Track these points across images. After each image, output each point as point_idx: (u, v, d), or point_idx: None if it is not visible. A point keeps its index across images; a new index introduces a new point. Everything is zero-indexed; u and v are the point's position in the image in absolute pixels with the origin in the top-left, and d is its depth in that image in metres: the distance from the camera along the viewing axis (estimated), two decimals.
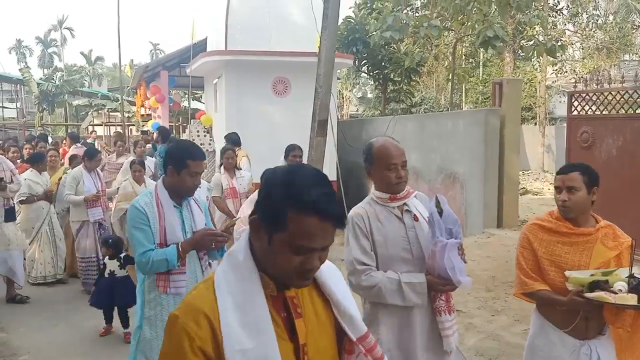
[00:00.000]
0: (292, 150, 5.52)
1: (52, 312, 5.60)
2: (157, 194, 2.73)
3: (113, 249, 4.94)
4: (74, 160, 7.49)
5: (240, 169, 6.15)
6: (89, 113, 27.66)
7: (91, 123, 26.78)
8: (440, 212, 2.30)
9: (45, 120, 26.73)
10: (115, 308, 4.90)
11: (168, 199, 2.72)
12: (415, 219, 2.44)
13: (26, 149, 8.46)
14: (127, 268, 4.90)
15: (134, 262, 4.57)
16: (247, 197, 5.43)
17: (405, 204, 2.45)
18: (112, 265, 4.88)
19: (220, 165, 6.36)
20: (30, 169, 6.45)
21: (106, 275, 4.88)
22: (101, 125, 26.81)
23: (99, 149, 9.01)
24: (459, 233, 2.32)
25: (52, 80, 26.60)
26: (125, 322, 4.79)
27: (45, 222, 6.46)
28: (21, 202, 6.26)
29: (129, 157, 7.84)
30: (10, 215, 5.90)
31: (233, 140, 7.14)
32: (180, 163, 2.66)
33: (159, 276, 2.69)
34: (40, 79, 28.32)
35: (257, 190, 4.63)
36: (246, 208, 4.81)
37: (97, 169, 6.45)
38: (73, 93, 27.29)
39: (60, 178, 6.95)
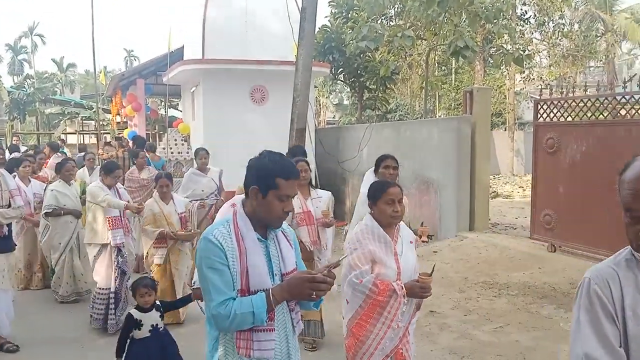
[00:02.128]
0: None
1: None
2: (236, 224, 2.09)
3: (155, 292, 3.67)
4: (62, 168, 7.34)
5: (316, 188, 4.90)
6: (62, 121, 27.26)
7: (64, 131, 26.40)
8: None
9: (15, 129, 26.24)
10: None
11: (251, 230, 2.08)
12: None
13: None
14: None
15: (173, 309, 4.01)
16: (327, 224, 4.55)
17: None
18: (151, 318, 3.55)
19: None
20: (59, 179, 6.02)
21: (147, 332, 3.50)
22: (75, 133, 26.44)
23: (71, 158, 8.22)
24: None
25: (23, 88, 26.15)
26: None
27: (73, 238, 6.00)
28: (46, 214, 5.82)
29: (152, 172, 7.42)
30: (4, 245, 4.76)
31: (302, 152, 5.65)
32: (268, 182, 2.05)
33: (240, 334, 2.04)
34: (11, 86, 27.78)
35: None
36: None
37: (117, 185, 5.51)
38: (45, 101, 26.88)
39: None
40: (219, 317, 1.99)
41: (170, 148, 11.36)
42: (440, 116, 22.19)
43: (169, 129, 12.75)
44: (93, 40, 16.37)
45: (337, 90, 30.30)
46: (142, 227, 5.27)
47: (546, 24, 18.61)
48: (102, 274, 5.21)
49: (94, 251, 5.24)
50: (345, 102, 31.20)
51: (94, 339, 5.07)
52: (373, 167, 4.36)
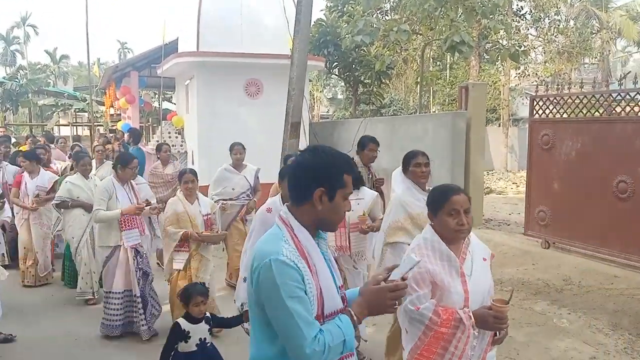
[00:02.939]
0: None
1: None
2: (295, 237, 1.73)
3: (206, 299, 3.37)
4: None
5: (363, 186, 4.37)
6: (55, 113, 27.03)
7: (57, 123, 26.19)
8: None
9: (8, 120, 26.00)
10: None
11: (314, 245, 1.77)
12: None
13: None
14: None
15: (225, 326, 3.56)
16: (363, 231, 4.13)
17: None
18: (200, 330, 3.26)
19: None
20: (76, 172, 5.87)
21: (194, 346, 3.21)
22: (67, 125, 26.25)
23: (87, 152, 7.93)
24: None
25: (16, 79, 25.89)
26: None
27: (87, 233, 5.77)
28: (57, 206, 5.77)
29: (178, 166, 7.06)
30: None
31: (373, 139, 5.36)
32: (337, 181, 1.75)
33: None
34: (4, 77, 27.51)
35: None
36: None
37: (132, 180, 5.11)
38: (38, 92, 26.64)
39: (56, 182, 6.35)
40: (314, 356, 1.62)
41: (164, 140, 11.28)
42: (434, 111, 22.21)
43: (163, 121, 12.67)
44: (87, 33, 16.26)
45: (331, 84, 30.23)
46: (164, 228, 4.73)
47: (542, 20, 18.62)
48: (117, 277, 4.79)
49: (106, 252, 4.82)
50: (339, 96, 31.13)
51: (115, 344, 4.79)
52: (401, 166, 3.83)
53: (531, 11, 18.39)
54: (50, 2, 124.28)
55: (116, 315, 4.82)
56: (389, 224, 3.63)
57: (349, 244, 4.14)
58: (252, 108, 10.37)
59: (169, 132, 11.96)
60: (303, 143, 8.11)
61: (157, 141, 11.09)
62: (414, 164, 3.74)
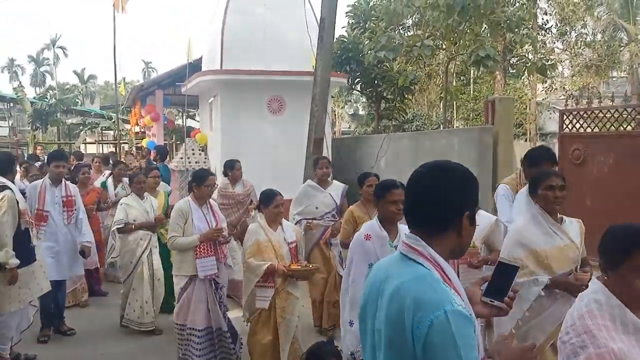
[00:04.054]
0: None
1: None
2: (446, 276, 1.46)
3: None
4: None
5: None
6: (83, 131, 27.65)
7: (84, 141, 26.76)
8: None
9: (37, 138, 26.67)
10: None
11: (460, 284, 1.51)
12: None
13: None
14: None
15: None
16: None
17: None
18: None
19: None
20: (132, 192, 5.63)
21: None
22: (94, 143, 26.79)
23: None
24: None
25: (46, 99, 26.61)
26: None
27: (144, 256, 5.37)
28: (118, 230, 5.38)
29: (247, 185, 6.40)
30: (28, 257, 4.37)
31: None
32: (474, 200, 1.55)
33: None
34: (34, 97, 28.33)
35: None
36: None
37: (210, 200, 4.61)
38: (66, 112, 27.32)
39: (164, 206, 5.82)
40: None
41: (188, 158, 11.35)
42: (457, 127, 21.95)
43: (187, 138, 12.79)
44: (114, 55, 16.64)
45: (352, 100, 30.25)
46: (244, 260, 4.07)
47: (568, 33, 18.34)
48: (197, 312, 4.23)
49: (181, 282, 4.27)
50: (361, 112, 31.12)
51: None
52: (527, 187, 3.19)
53: (557, 25, 18.14)
54: (78, 24, 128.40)
55: (198, 351, 4.24)
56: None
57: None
58: (275, 124, 10.38)
59: (193, 150, 12.03)
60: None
61: (181, 158, 11.17)
62: (545, 186, 3.01)
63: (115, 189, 7.37)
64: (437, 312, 1.31)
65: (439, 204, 1.46)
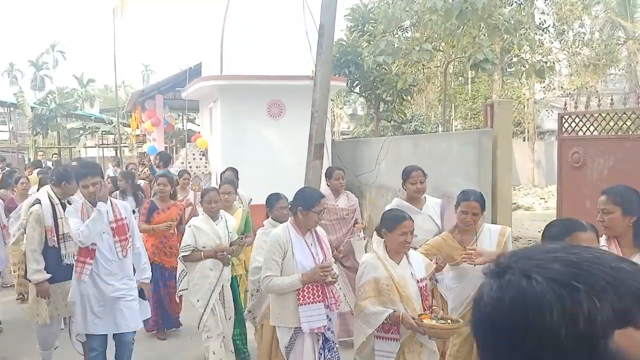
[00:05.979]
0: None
1: None
2: None
3: None
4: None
5: None
6: (83, 135, 27.69)
7: (85, 145, 26.81)
8: None
9: (37, 143, 26.70)
10: None
11: None
12: None
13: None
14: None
15: None
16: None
17: None
18: None
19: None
20: (202, 211, 4.50)
21: None
22: (94, 147, 26.84)
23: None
24: None
25: (46, 104, 26.65)
26: None
27: (215, 292, 4.31)
28: (184, 258, 4.36)
29: (352, 198, 5.11)
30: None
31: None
32: None
33: None
34: (35, 102, 28.35)
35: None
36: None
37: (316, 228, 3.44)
38: (67, 116, 27.35)
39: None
40: None
41: (189, 162, 11.41)
42: (456, 126, 22.00)
43: (188, 143, 12.83)
44: (115, 59, 16.70)
45: (351, 100, 30.29)
46: (357, 303, 3.10)
47: (566, 32, 18.38)
48: None
49: (285, 338, 3.23)
50: (360, 112, 31.15)
51: None
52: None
53: (554, 24, 18.17)
54: (77, 27, 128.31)
55: None
56: None
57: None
58: (275, 128, 10.43)
59: (193, 154, 12.10)
60: (326, 163, 8.10)
61: (182, 163, 11.22)
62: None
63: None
64: None
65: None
